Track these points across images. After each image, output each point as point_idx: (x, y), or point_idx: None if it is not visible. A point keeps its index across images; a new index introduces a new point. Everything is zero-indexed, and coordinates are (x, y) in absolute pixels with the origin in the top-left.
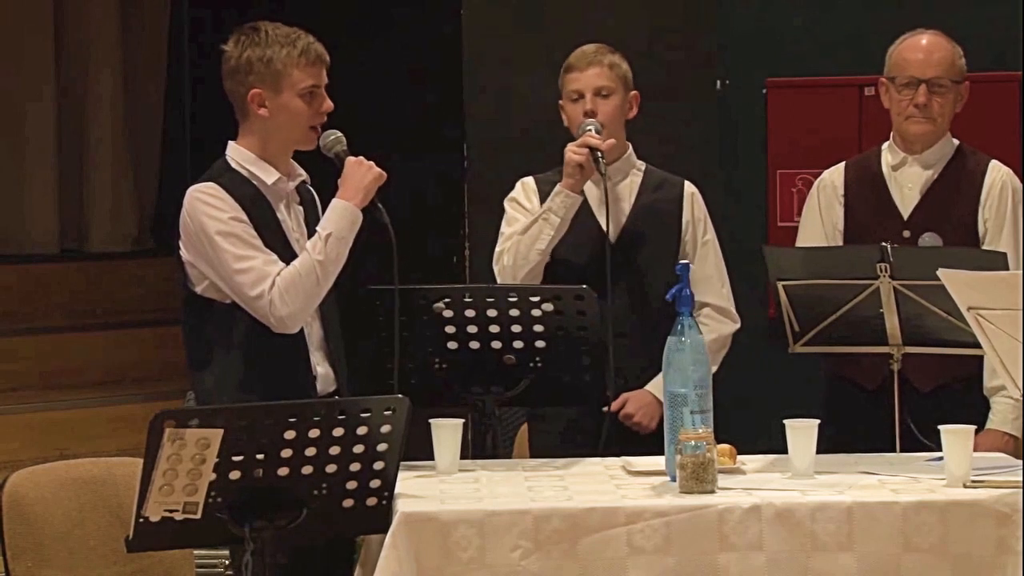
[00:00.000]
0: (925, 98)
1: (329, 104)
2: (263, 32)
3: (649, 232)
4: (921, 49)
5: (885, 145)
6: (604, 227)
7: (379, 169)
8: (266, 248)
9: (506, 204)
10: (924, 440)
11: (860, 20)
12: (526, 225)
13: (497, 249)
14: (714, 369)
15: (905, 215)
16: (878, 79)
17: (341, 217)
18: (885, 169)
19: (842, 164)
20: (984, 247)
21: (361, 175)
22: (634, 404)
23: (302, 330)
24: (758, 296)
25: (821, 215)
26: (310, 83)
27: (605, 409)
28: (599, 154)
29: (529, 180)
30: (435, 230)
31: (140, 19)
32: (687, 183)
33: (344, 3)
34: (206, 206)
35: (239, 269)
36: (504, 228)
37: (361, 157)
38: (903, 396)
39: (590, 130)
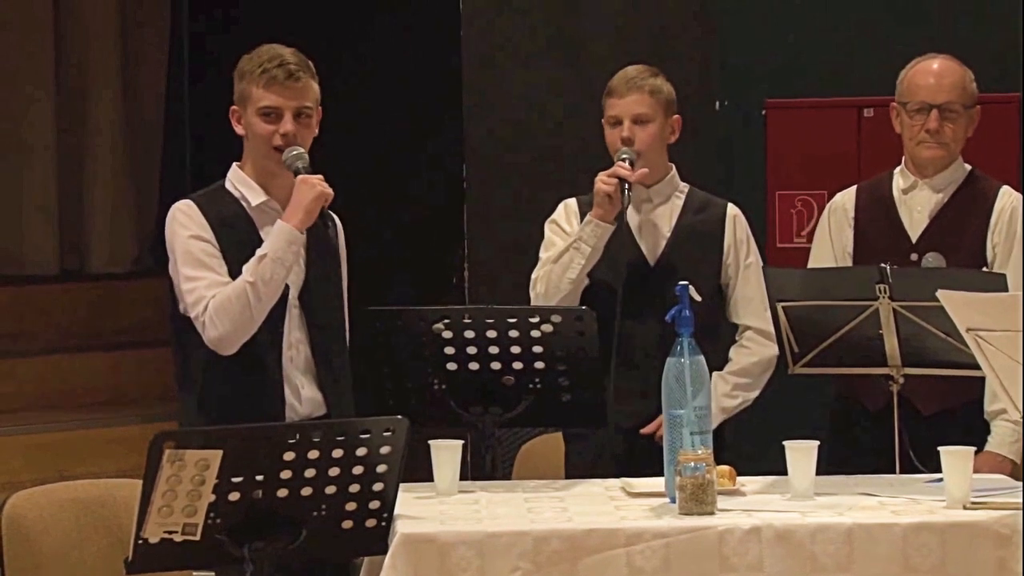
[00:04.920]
0: (936, 124)
1: (288, 128)
2: (254, 51)
3: (690, 255)
4: (932, 74)
5: (897, 169)
6: (643, 252)
7: (323, 188)
8: (233, 269)
9: (546, 226)
10: (920, 465)
11: (859, 42)
12: (558, 254)
13: (533, 275)
14: (756, 393)
15: (914, 238)
16: (878, 101)
17: (277, 238)
18: (896, 192)
19: (854, 187)
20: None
21: (303, 194)
22: None
23: (271, 351)
24: None
25: (831, 238)
26: (266, 103)
27: (642, 431)
28: (627, 185)
29: (571, 201)
30: (434, 251)
31: (140, 38)
32: (730, 205)
33: (344, 14)
34: (175, 223)
35: (186, 289)
36: (542, 252)
37: (312, 176)
38: (904, 418)
39: (624, 160)
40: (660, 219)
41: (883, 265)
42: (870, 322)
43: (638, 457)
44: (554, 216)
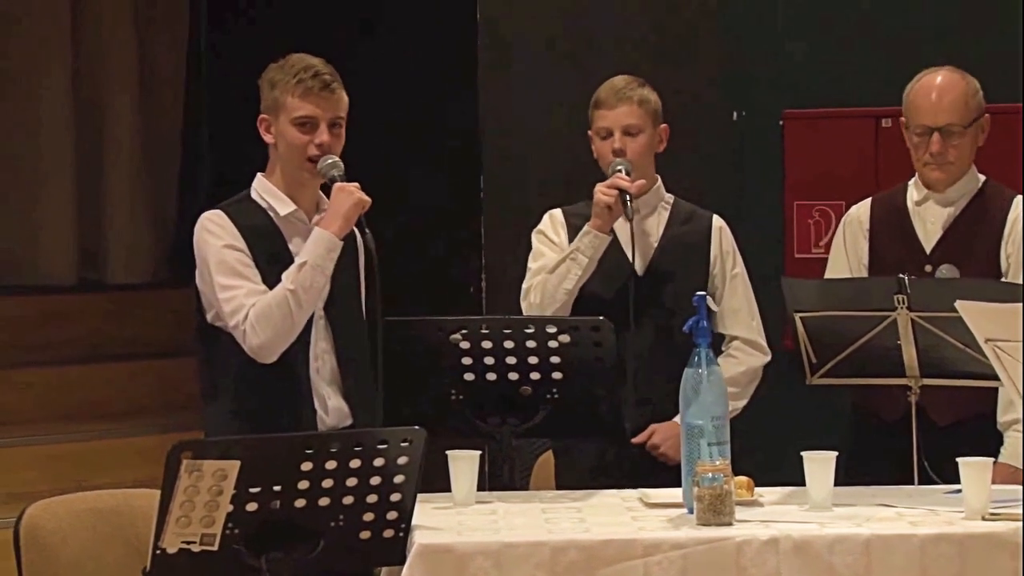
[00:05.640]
0: (939, 146)
1: (324, 138)
2: (282, 60)
3: (677, 266)
4: (932, 94)
5: (911, 181)
6: (632, 262)
7: (361, 195)
8: (264, 279)
9: (533, 237)
10: (934, 476)
11: (876, 52)
12: (554, 264)
13: (524, 285)
14: (744, 403)
15: (928, 250)
16: (896, 111)
17: (317, 245)
18: (910, 204)
19: (869, 199)
20: (1006, 283)
21: (341, 201)
22: (660, 435)
23: (301, 361)
24: (775, 327)
25: (847, 251)
26: (302, 113)
27: (633, 440)
28: (628, 196)
29: (557, 212)
30: (452, 260)
31: (158, 48)
32: (715, 216)
33: (360, 23)
34: (207, 233)
35: (223, 298)
36: (531, 263)
37: (349, 184)
38: (920, 429)
39: (620, 171)
40: (648, 230)
41: (901, 276)
42: (888, 333)
43: (632, 467)
44: (540, 227)
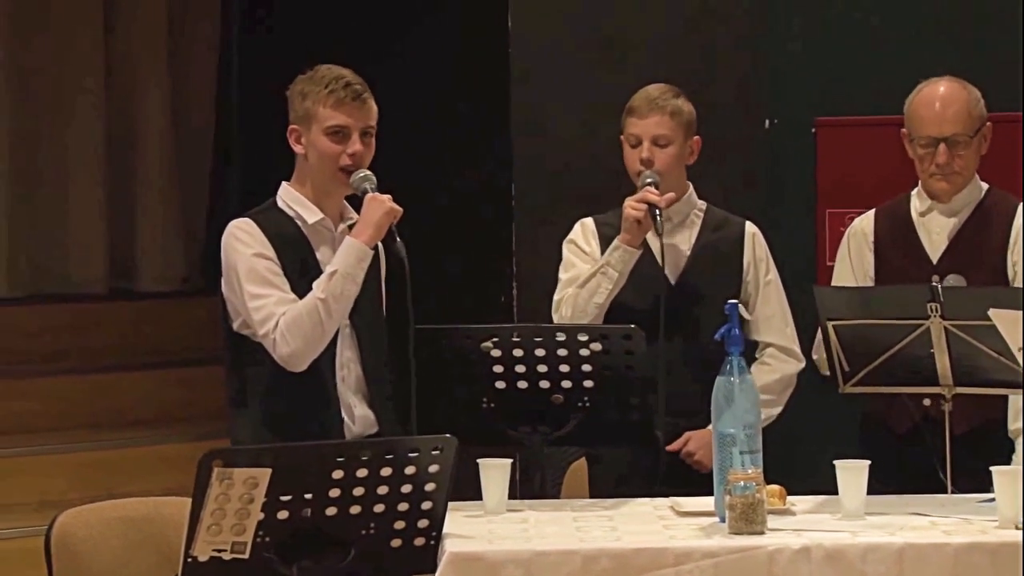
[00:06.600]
0: (945, 157)
1: (357, 147)
2: (312, 70)
3: (710, 273)
4: (936, 103)
5: (914, 191)
6: (665, 273)
7: (392, 205)
8: (291, 288)
9: (564, 247)
10: (948, 485)
11: (908, 59)
12: (585, 278)
13: (556, 297)
14: (779, 410)
15: (935, 260)
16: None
17: (347, 254)
18: (914, 215)
19: (872, 211)
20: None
21: (373, 211)
22: (696, 443)
23: (327, 369)
24: (807, 335)
25: (851, 263)
26: (335, 123)
27: (668, 448)
28: (657, 210)
29: (588, 221)
30: (483, 268)
31: (189, 56)
32: (748, 223)
33: (389, 31)
34: (236, 241)
35: (253, 307)
36: (561, 273)
37: (381, 195)
38: (934, 440)
39: (649, 183)
40: (680, 239)
41: (935, 284)
42: (921, 341)
43: (666, 474)
44: (571, 236)
